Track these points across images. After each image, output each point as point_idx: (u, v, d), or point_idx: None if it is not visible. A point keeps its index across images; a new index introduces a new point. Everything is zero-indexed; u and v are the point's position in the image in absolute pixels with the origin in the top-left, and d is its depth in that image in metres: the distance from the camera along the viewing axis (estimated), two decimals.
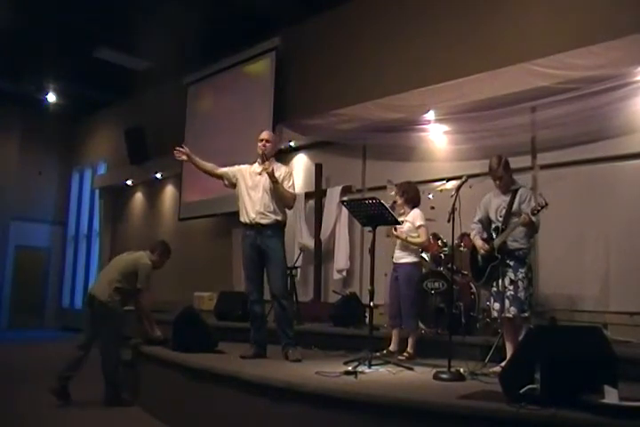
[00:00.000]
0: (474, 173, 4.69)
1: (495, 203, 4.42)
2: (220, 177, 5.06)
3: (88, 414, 4.76)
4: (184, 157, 4.90)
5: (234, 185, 5.02)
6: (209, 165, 5.08)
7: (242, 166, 5.08)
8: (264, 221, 4.77)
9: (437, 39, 6.84)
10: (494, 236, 4.34)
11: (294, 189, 5.01)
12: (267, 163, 4.79)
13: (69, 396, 5.03)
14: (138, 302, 5.34)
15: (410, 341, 4.93)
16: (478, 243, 4.43)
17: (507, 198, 4.33)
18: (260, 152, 4.91)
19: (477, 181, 4.59)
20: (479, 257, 4.44)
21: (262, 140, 4.94)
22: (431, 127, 6.65)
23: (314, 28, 8.53)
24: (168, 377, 4.79)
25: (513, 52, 5.96)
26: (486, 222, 4.51)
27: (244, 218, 4.88)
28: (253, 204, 4.82)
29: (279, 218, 4.84)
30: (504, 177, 4.33)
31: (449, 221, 4.09)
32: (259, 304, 4.87)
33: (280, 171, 4.89)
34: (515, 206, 4.26)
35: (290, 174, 4.98)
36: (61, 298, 13.85)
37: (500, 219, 4.32)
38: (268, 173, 4.69)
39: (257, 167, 4.95)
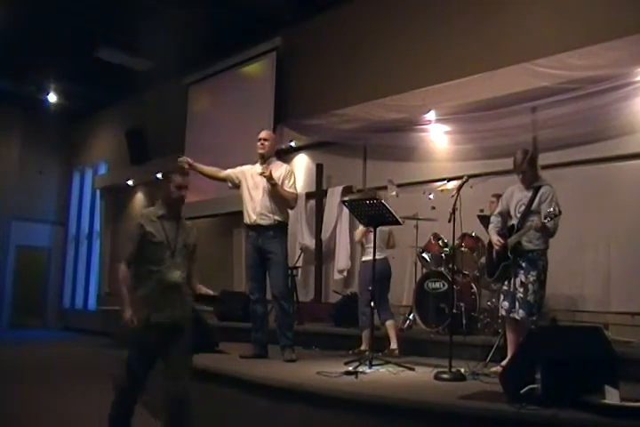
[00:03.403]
0: (475, 173, 4.68)
1: (517, 197, 4.29)
2: (224, 180, 5.04)
3: (86, 414, 4.74)
4: (186, 166, 4.78)
5: (238, 186, 4.99)
6: (211, 170, 5.04)
7: (244, 167, 5.04)
8: (264, 222, 4.75)
9: (438, 39, 6.83)
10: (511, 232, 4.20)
11: (295, 188, 4.93)
12: (264, 166, 4.77)
13: None
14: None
15: (390, 335, 4.93)
16: (494, 238, 4.30)
17: (528, 194, 4.20)
18: (260, 151, 4.90)
19: (478, 182, 4.58)
20: (494, 253, 4.33)
21: (260, 139, 4.91)
22: (432, 127, 6.64)
23: (314, 27, 8.52)
24: None
25: (514, 52, 5.95)
26: (507, 216, 4.37)
27: (246, 219, 4.87)
28: (254, 205, 4.79)
29: (279, 218, 4.80)
30: (527, 172, 4.18)
31: (450, 221, 4.08)
32: (260, 304, 4.84)
33: (280, 170, 4.85)
34: (534, 205, 4.14)
35: (290, 173, 4.92)
36: (62, 298, 13.85)
37: (518, 215, 4.21)
38: (265, 176, 4.65)
39: (258, 168, 4.90)
